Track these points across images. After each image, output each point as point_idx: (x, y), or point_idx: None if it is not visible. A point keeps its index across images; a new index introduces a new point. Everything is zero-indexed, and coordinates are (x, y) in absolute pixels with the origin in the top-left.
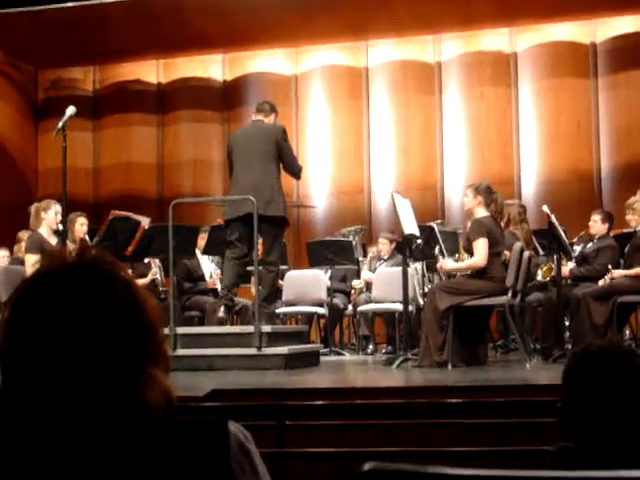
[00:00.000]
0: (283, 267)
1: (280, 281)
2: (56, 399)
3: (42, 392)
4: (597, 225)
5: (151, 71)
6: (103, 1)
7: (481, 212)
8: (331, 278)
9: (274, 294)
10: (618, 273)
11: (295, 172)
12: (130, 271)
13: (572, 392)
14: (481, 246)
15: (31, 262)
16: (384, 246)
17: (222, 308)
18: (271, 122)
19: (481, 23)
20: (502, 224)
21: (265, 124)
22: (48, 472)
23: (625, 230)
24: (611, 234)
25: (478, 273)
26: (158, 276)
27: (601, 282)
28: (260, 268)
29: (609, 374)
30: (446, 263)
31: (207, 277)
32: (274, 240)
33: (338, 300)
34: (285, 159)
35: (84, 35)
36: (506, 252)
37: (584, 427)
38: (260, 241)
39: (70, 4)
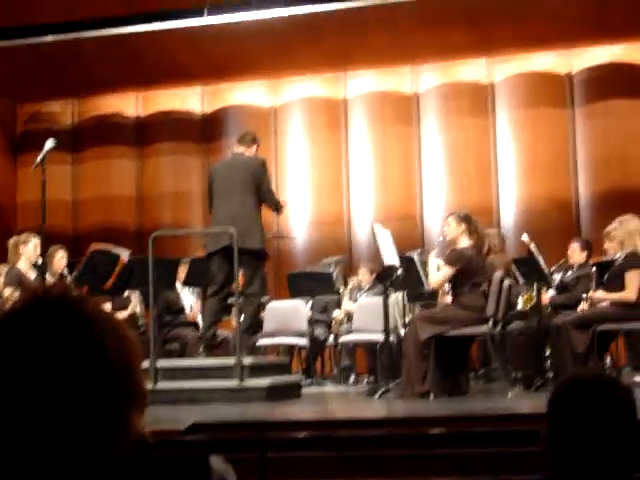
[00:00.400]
0: (263, 298)
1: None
2: (19, 446)
3: (5, 438)
4: (575, 254)
5: (130, 104)
6: (82, 35)
7: (464, 241)
8: (312, 309)
9: (255, 325)
10: (597, 297)
11: (273, 206)
12: (110, 304)
13: (557, 421)
14: (442, 272)
15: (9, 296)
16: (364, 276)
17: (201, 349)
18: (252, 154)
19: (459, 54)
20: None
21: (245, 157)
22: None
23: (604, 258)
24: (591, 262)
25: (457, 302)
26: (138, 309)
27: (580, 307)
28: (241, 300)
29: (594, 403)
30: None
31: (187, 310)
32: (255, 272)
33: (319, 331)
34: (262, 193)
35: (63, 69)
36: None
37: (569, 456)
38: (241, 273)
39: (49, 38)
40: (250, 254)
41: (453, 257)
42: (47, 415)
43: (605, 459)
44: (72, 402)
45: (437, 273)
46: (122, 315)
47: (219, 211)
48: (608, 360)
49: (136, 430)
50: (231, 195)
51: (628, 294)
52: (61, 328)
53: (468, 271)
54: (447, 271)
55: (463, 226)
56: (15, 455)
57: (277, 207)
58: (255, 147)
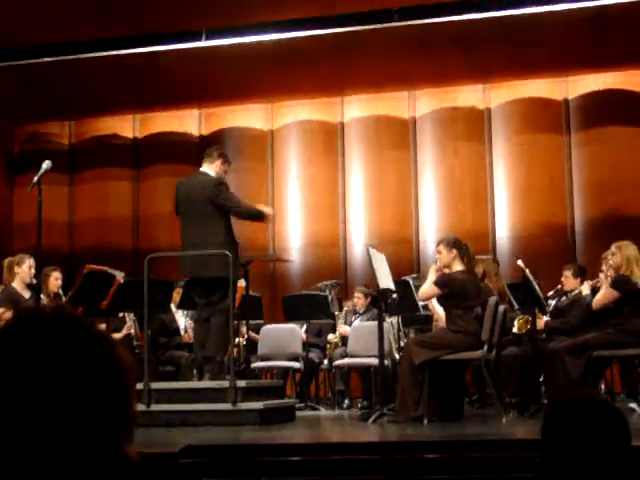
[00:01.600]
0: (258, 321)
1: (255, 335)
2: (5, 464)
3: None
4: (569, 280)
5: (127, 126)
6: (79, 56)
7: (457, 266)
8: (307, 332)
9: (225, 342)
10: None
11: (251, 218)
12: (104, 325)
13: (549, 445)
14: (429, 288)
15: (3, 316)
16: (359, 300)
17: (194, 372)
18: (217, 168)
19: (455, 79)
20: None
21: (203, 178)
22: None
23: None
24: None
25: (451, 326)
26: (132, 330)
27: (585, 291)
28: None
29: (586, 426)
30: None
31: (182, 331)
32: (222, 290)
33: (314, 354)
34: (228, 211)
35: (61, 89)
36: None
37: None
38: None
39: (47, 59)
40: (212, 281)
41: (441, 280)
42: (34, 432)
43: None
44: (59, 421)
45: (427, 286)
46: (117, 336)
47: (184, 236)
48: (602, 386)
49: (124, 451)
50: (192, 220)
51: (594, 302)
52: (52, 345)
53: (460, 295)
54: (433, 290)
55: (454, 252)
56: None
57: (254, 216)
58: (220, 162)
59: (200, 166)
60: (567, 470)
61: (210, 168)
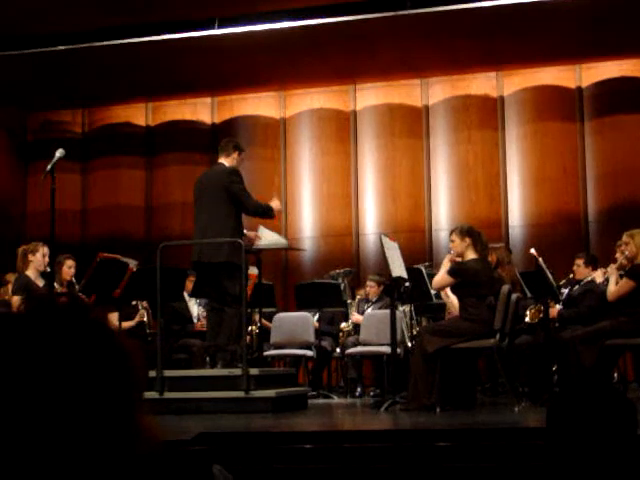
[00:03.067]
0: (271, 309)
1: (268, 323)
2: (21, 453)
3: (14, 446)
4: (581, 269)
5: (140, 114)
6: (92, 44)
7: (471, 254)
8: (319, 320)
9: (239, 330)
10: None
11: (253, 213)
12: (117, 314)
13: (553, 431)
14: (442, 278)
15: (17, 304)
16: (372, 289)
17: (207, 359)
18: (234, 161)
19: (468, 67)
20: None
21: (217, 168)
22: None
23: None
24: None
25: (464, 315)
26: (145, 318)
27: (599, 279)
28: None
29: (591, 413)
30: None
31: (195, 320)
32: (229, 282)
33: (326, 343)
34: (235, 203)
35: (73, 78)
36: None
37: (567, 466)
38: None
39: (60, 47)
40: (218, 267)
41: (454, 269)
42: (46, 422)
43: (603, 471)
44: (72, 409)
45: (440, 276)
46: (129, 324)
47: (195, 224)
48: (615, 375)
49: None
50: (202, 208)
51: (610, 294)
52: (63, 334)
53: (472, 284)
54: (446, 279)
55: (468, 240)
56: (17, 461)
57: (263, 211)
58: (236, 154)
59: (213, 156)
60: (571, 457)
61: (227, 162)
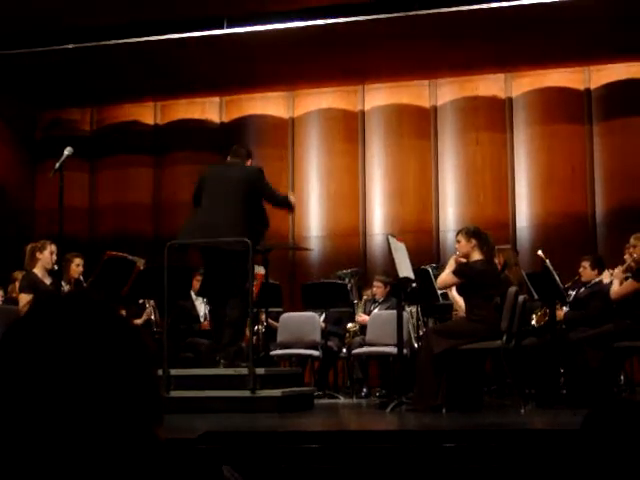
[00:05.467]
0: (278, 309)
1: (274, 323)
2: (31, 451)
3: (26, 440)
4: (587, 271)
5: (149, 113)
6: (101, 43)
7: (476, 255)
8: (326, 320)
9: (242, 329)
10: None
11: (282, 205)
12: (124, 312)
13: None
14: (447, 277)
15: (24, 302)
16: (379, 289)
17: (219, 359)
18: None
19: (476, 68)
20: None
21: (241, 166)
22: None
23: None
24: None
25: (471, 315)
26: (152, 316)
27: (606, 279)
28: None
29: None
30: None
31: (202, 318)
32: (238, 270)
33: (332, 343)
34: (267, 199)
35: (83, 76)
36: None
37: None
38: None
39: (69, 45)
40: (232, 254)
41: (460, 269)
42: (60, 419)
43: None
44: (86, 406)
45: (445, 275)
46: (137, 323)
47: (200, 216)
48: (622, 377)
49: (154, 434)
50: (218, 204)
51: (614, 293)
52: (77, 329)
53: (478, 284)
54: (451, 279)
55: (473, 241)
56: (27, 459)
57: (285, 203)
58: (250, 162)
59: (221, 156)
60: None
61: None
